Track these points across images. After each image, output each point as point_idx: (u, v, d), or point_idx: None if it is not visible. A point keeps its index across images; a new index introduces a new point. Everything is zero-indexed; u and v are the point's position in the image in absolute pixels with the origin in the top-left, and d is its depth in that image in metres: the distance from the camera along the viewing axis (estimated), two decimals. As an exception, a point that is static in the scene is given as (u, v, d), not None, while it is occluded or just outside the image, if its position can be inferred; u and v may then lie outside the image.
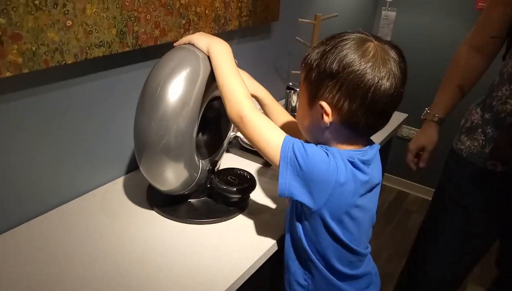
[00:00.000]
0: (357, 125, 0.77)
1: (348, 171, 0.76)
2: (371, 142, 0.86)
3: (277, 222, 1.03)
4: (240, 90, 0.85)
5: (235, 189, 1.05)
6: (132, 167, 1.23)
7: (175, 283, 0.83)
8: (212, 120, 1.15)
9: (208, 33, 1.26)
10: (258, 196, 1.13)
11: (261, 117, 0.83)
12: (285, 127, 1.02)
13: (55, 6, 0.86)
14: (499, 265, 1.43)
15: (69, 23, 0.89)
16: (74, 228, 0.97)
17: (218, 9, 1.28)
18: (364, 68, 0.73)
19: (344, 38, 0.77)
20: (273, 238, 0.97)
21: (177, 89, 0.90)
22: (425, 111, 1.38)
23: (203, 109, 0.98)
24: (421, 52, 2.57)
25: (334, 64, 0.74)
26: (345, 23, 2.26)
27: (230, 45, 1.46)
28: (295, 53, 1.87)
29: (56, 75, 0.95)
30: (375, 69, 0.73)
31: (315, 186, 0.76)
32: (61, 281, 0.82)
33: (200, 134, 1.15)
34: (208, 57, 0.94)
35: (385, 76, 0.73)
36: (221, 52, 0.92)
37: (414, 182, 2.87)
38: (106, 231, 0.97)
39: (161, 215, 1.04)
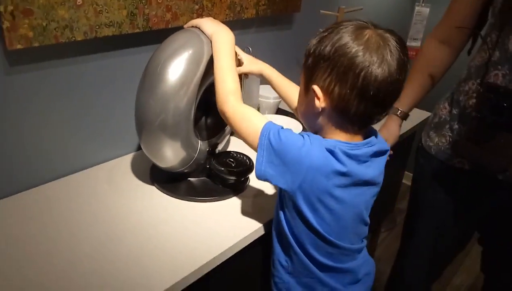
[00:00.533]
0: (348, 111, 0.76)
1: (322, 157, 0.76)
2: (370, 136, 0.85)
3: (269, 207, 1.04)
4: (228, 83, 0.89)
5: (231, 171, 1.08)
6: (140, 145, 1.28)
7: (162, 252, 0.87)
8: (213, 104, 1.18)
9: (222, 20, 1.30)
10: (256, 180, 1.15)
11: (244, 108, 0.86)
12: (295, 98, 1.03)
13: (66, -15, 0.92)
14: (483, 270, 1.38)
15: (79, 2, 0.95)
16: (77, 196, 1.03)
17: (234, -4, 1.31)
18: (356, 51, 0.72)
19: (342, 25, 0.77)
20: (261, 221, 0.99)
21: (177, 69, 0.94)
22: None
23: (201, 91, 1.01)
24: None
25: (327, 48, 0.74)
26: (373, 18, 2.20)
27: (247, 33, 1.49)
28: (318, 45, 1.86)
29: (67, 51, 1.02)
30: (366, 53, 0.72)
31: (288, 169, 0.77)
32: (55, 241, 0.88)
33: (205, 116, 1.19)
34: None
35: (376, 61, 0.72)
36: (222, 41, 0.95)
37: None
38: (105, 200, 1.02)
39: (160, 191, 1.08)
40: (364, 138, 0.83)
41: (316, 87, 0.77)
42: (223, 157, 1.13)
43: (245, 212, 1.03)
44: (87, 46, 1.05)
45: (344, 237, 0.86)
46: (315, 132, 0.84)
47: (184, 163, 1.05)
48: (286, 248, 0.90)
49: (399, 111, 1.25)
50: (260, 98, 1.50)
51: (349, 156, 0.78)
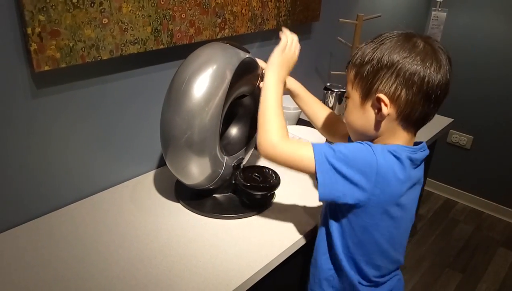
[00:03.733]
0: (413, 115, 0.79)
1: (388, 163, 0.77)
2: (419, 143, 0.86)
3: (300, 221, 1.03)
4: (275, 121, 0.87)
5: (258, 187, 1.06)
6: (163, 161, 1.27)
7: (193, 273, 0.86)
8: (242, 117, 1.17)
9: (244, 33, 1.29)
10: (283, 194, 1.14)
11: (291, 143, 0.85)
12: (321, 118, 1.07)
13: (92, 4, 0.91)
14: None
15: (105, 20, 0.95)
16: (104, 216, 1.02)
17: (255, 8, 1.30)
18: (417, 58, 0.76)
19: (391, 34, 0.81)
20: (292, 238, 0.98)
21: (202, 85, 0.93)
22: None
23: (227, 106, 1.00)
24: (472, 55, 2.45)
25: (388, 56, 0.77)
26: (390, 24, 2.20)
27: (268, 45, 1.48)
28: (336, 53, 1.85)
29: (92, 70, 1.01)
30: (427, 59, 0.76)
31: (357, 180, 0.77)
32: (85, 264, 0.87)
33: (230, 130, 1.17)
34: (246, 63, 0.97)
35: (437, 66, 0.76)
36: (272, 81, 0.92)
37: (463, 190, 2.74)
38: (133, 220, 1.01)
39: (186, 208, 1.07)
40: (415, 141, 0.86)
41: (382, 96, 0.78)
42: (249, 172, 1.12)
43: (274, 229, 1.01)
44: (112, 64, 1.04)
45: (398, 246, 0.88)
46: (371, 140, 0.84)
47: (211, 179, 1.03)
48: (334, 261, 0.89)
49: None
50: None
51: (411, 160, 0.80)
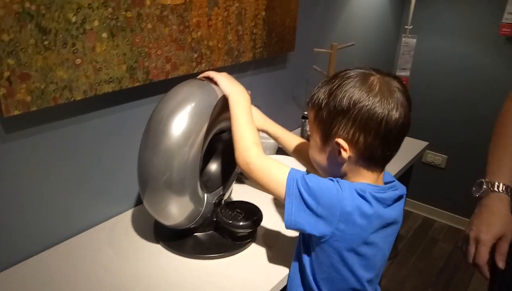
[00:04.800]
0: (373, 156, 0.79)
1: (353, 201, 0.77)
2: (390, 182, 0.87)
3: (285, 256, 1.01)
4: (249, 137, 0.89)
5: (240, 224, 1.03)
6: (141, 200, 1.24)
7: (175, 323, 0.82)
8: (221, 152, 1.15)
9: (221, 66, 1.28)
10: (266, 228, 1.12)
11: (267, 161, 0.86)
12: (303, 151, 1.06)
13: (65, 45, 0.89)
14: None
15: (78, 61, 0.92)
16: (80, 262, 0.98)
17: (231, 42, 1.30)
18: (373, 101, 0.75)
19: (347, 75, 0.80)
20: (280, 273, 0.95)
21: (181, 124, 0.91)
22: (482, 186, 0.95)
23: (207, 143, 0.98)
24: (442, 79, 2.52)
25: (344, 101, 0.77)
26: (363, 52, 2.24)
27: (245, 76, 1.48)
28: (312, 81, 1.86)
29: (66, 111, 0.98)
30: (383, 101, 0.76)
31: (320, 216, 0.78)
32: (61, 318, 0.82)
33: (209, 166, 1.15)
34: (225, 99, 0.97)
35: (394, 106, 0.76)
36: (240, 101, 0.94)
37: (440, 208, 2.78)
38: (111, 265, 0.97)
39: (167, 249, 1.03)
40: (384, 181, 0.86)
41: (341, 141, 0.78)
42: (229, 208, 1.09)
43: (260, 265, 0.98)
44: (86, 104, 1.01)
45: (369, 282, 0.86)
46: (339, 177, 0.84)
47: (191, 218, 1.00)
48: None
49: (504, 186, 0.92)
50: (260, 139, 1.47)
51: (376, 199, 0.79)
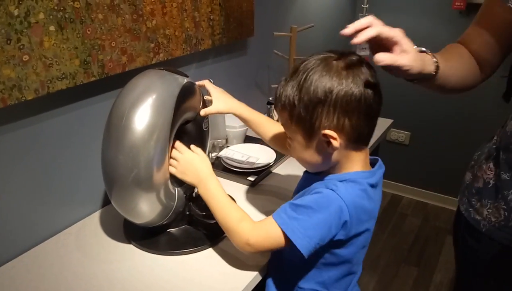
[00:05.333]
0: (362, 135, 0.79)
1: (354, 200, 0.78)
2: (375, 161, 0.87)
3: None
4: (232, 217, 0.86)
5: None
6: (107, 199, 1.18)
7: (154, 323, 0.79)
8: (187, 144, 1.11)
9: (180, 54, 1.24)
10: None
11: (259, 228, 0.82)
12: (273, 135, 1.04)
13: (9, 41, 0.82)
14: None
15: (25, 58, 0.86)
16: (48, 271, 0.92)
17: (188, 29, 1.25)
18: (347, 83, 0.74)
19: (309, 66, 0.77)
20: (257, 264, 0.93)
21: (144, 117, 0.87)
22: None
23: (173, 135, 0.94)
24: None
25: (318, 92, 0.74)
26: (323, 32, 2.24)
27: (205, 65, 1.44)
28: (274, 66, 1.84)
29: (17, 113, 0.91)
30: (355, 79, 0.74)
31: (323, 228, 0.77)
32: (31, 332, 0.77)
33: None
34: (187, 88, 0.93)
35: (366, 81, 0.75)
36: (208, 192, 0.91)
37: (407, 184, 2.84)
38: (82, 271, 0.92)
39: (139, 248, 0.99)
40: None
41: (328, 131, 0.76)
42: (201, 201, 1.06)
43: (237, 257, 0.96)
44: (39, 104, 0.95)
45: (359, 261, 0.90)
46: (328, 171, 0.83)
47: (164, 215, 0.96)
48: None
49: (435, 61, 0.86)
50: (227, 129, 1.45)
51: (371, 185, 0.81)
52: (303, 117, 0.77)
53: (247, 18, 1.51)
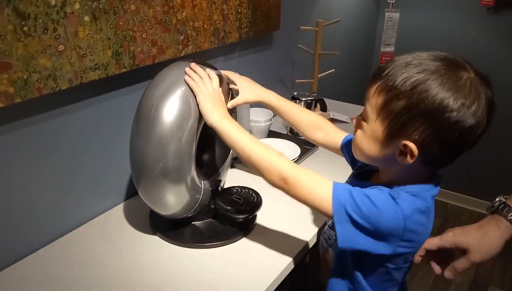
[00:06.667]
0: (435, 166, 0.73)
1: (414, 216, 0.71)
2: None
3: (288, 239, 0.99)
4: (270, 153, 0.79)
5: (240, 209, 1.01)
6: (133, 191, 1.19)
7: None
8: (215, 137, 1.11)
9: (208, 47, 1.24)
10: (265, 213, 1.09)
11: (304, 172, 0.77)
12: (310, 125, 1.00)
13: (45, 31, 0.83)
14: None
15: (61, 47, 0.86)
16: (78, 259, 0.93)
17: (216, 22, 1.25)
18: (464, 111, 0.64)
19: (434, 66, 0.66)
20: (287, 257, 0.93)
21: (172, 108, 0.87)
22: (497, 200, 0.79)
23: (201, 127, 0.94)
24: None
25: (430, 104, 0.65)
26: (348, 28, 2.22)
27: (231, 58, 1.43)
28: (298, 61, 1.83)
29: (51, 102, 0.92)
30: (472, 106, 0.65)
31: (381, 237, 0.71)
32: (63, 318, 0.78)
33: (204, 152, 1.11)
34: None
35: (481, 115, 0.66)
36: (227, 124, 0.84)
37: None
38: (111, 261, 0.93)
39: (165, 240, 1.00)
40: None
41: (411, 145, 0.67)
42: (227, 194, 1.06)
43: (263, 251, 0.96)
44: (72, 94, 0.96)
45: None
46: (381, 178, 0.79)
47: (189, 207, 0.97)
48: None
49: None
50: (251, 123, 1.44)
51: (433, 197, 0.75)
52: (396, 115, 0.67)
53: (274, 12, 1.50)
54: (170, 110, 0.87)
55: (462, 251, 0.76)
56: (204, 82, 0.88)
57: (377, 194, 0.71)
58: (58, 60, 0.86)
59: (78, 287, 0.85)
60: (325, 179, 0.76)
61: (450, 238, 0.77)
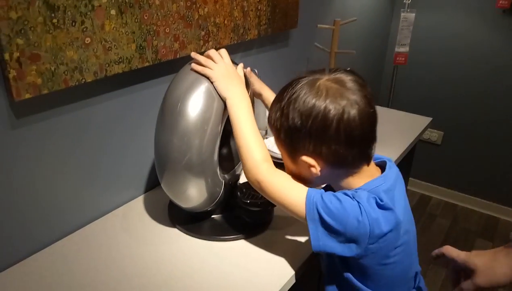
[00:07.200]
0: (346, 161, 0.76)
1: (379, 218, 0.73)
2: (383, 163, 0.84)
3: (306, 233, 0.99)
4: (257, 152, 0.83)
5: (259, 203, 1.01)
6: (152, 184, 1.20)
7: (204, 306, 0.80)
8: (230, 132, 1.12)
9: (227, 44, 1.24)
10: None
11: (279, 178, 0.81)
12: None
13: (73, 23, 0.84)
14: None
15: (87, 40, 0.87)
16: (98, 251, 0.94)
17: (237, 18, 1.25)
18: (324, 109, 0.71)
19: (294, 89, 0.75)
20: (304, 252, 0.94)
21: (197, 103, 0.88)
22: None
23: (224, 122, 0.95)
24: (442, 54, 2.51)
25: (295, 119, 0.74)
26: (363, 27, 2.22)
27: (249, 55, 1.44)
28: (314, 59, 1.83)
29: (76, 94, 0.93)
30: (334, 104, 0.71)
31: (349, 238, 0.74)
32: (86, 307, 0.80)
33: (223, 146, 1.12)
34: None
35: (346, 106, 0.71)
36: (241, 107, 0.86)
37: (436, 185, 2.80)
38: (130, 253, 0.94)
39: (184, 233, 1.01)
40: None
41: (306, 158, 0.76)
42: (246, 188, 1.07)
43: (281, 245, 0.97)
44: (96, 86, 0.97)
45: (413, 259, 0.87)
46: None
47: (210, 201, 0.98)
48: None
49: None
50: (267, 120, 1.44)
51: (385, 192, 0.76)
52: (285, 141, 0.78)
53: (292, 9, 1.50)
54: (196, 104, 0.87)
55: (471, 272, 0.80)
56: (210, 63, 0.89)
57: (342, 195, 0.75)
58: (84, 52, 0.87)
59: (98, 278, 0.86)
60: (299, 184, 0.80)
61: (463, 256, 0.83)
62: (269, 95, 1.06)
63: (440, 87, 2.58)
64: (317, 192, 0.77)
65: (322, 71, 0.76)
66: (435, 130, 2.67)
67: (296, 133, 0.75)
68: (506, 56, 2.30)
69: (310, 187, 0.80)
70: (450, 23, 2.43)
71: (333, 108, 0.71)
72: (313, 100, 0.72)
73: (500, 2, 2.17)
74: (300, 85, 0.75)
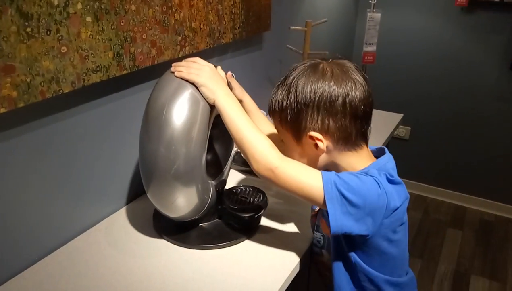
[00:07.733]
0: (350, 137, 0.80)
1: (394, 192, 0.77)
2: (377, 149, 0.89)
3: (296, 236, 0.99)
4: (262, 141, 0.80)
5: (248, 208, 1.00)
6: (133, 194, 1.16)
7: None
8: (218, 137, 1.10)
9: (204, 49, 1.23)
10: (269, 212, 1.09)
11: (291, 162, 0.80)
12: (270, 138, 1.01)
13: (48, 32, 0.80)
14: None
15: (64, 49, 0.84)
16: (84, 267, 0.90)
17: (212, 22, 1.24)
18: (330, 85, 0.77)
19: (297, 71, 0.81)
20: (295, 256, 0.94)
21: (183, 110, 0.85)
22: None
23: (210, 128, 0.93)
24: (407, 52, 2.57)
25: (303, 94, 0.78)
26: (332, 28, 2.25)
27: (225, 59, 1.43)
28: (286, 61, 1.84)
29: (53, 106, 0.89)
30: (340, 81, 0.77)
31: (367, 215, 0.76)
32: (78, 329, 0.76)
33: (209, 153, 1.10)
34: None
35: (352, 85, 0.78)
36: (231, 104, 0.85)
37: (406, 178, 2.87)
38: (118, 267, 0.90)
39: (173, 243, 0.98)
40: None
41: (313, 133, 0.79)
42: (233, 194, 1.06)
43: (272, 250, 0.96)
44: (74, 97, 0.92)
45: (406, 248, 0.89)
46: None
47: (199, 209, 0.96)
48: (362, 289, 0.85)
49: None
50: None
51: (394, 169, 0.83)
52: (290, 120, 0.81)
53: (264, 12, 1.50)
54: (181, 112, 0.85)
55: None
56: (193, 67, 0.87)
57: (356, 173, 0.78)
58: (61, 62, 0.83)
59: (90, 296, 0.83)
60: (311, 168, 0.80)
61: None
62: (249, 102, 1.04)
63: (407, 84, 2.65)
64: (332, 172, 0.78)
65: (320, 59, 0.82)
66: (403, 126, 2.74)
67: (303, 109, 0.78)
68: (467, 54, 2.39)
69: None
70: (414, 22, 2.51)
71: (339, 85, 0.77)
72: (321, 78, 0.78)
73: (459, 0, 2.25)
74: (303, 66, 0.81)
